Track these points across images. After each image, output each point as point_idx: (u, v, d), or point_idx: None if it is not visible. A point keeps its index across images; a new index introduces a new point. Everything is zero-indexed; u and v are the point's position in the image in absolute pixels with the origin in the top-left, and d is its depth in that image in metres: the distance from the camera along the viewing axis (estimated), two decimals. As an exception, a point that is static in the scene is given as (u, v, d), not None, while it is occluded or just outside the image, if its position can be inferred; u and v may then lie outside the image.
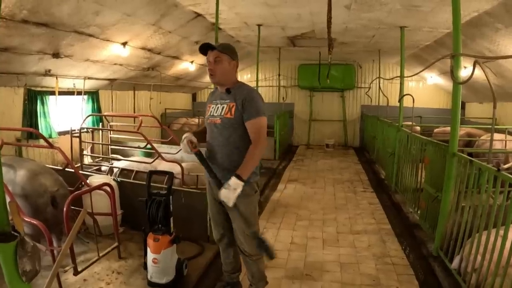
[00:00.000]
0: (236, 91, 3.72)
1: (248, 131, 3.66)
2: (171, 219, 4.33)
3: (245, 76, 16.82)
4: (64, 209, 4.20)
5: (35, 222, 4.06)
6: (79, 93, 9.47)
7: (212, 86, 15.61)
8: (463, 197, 4.60)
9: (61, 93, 8.86)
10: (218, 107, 3.77)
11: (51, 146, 5.33)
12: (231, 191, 3.37)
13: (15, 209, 2.38)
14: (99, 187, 4.85)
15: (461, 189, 4.64)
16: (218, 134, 3.74)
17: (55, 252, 4.23)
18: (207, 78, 15.41)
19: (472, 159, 4.37)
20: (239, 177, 3.41)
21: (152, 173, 4.55)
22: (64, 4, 5.82)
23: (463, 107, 13.81)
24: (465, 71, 6.42)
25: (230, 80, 3.79)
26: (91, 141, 9.20)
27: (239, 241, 3.90)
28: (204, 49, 3.70)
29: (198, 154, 3.78)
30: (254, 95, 3.71)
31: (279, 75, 14.80)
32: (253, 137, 3.63)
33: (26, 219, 4.09)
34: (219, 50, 3.65)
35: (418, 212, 6.46)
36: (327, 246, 5.85)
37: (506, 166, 6.54)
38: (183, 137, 3.79)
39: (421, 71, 7.28)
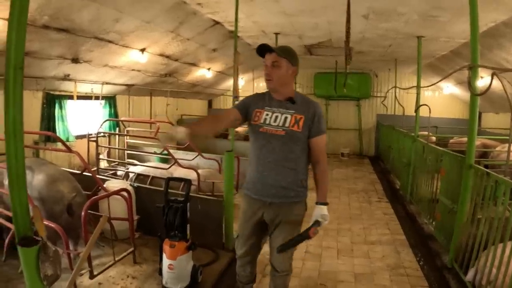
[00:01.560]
0: (303, 103, 3.49)
1: (311, 148, 3.49)
2: (188, 225, 4.35)
3: (261, 84, 16.84)
4: (82, 213, 4.25)
5: (52, 226, 4.12)
6: (96, 97, 9.57)
7: (229, 93, 15.61)
8: (479, 209, 4.57)
9: (79, 97, 8.96)
10: (277, 116, 3.45)
11: (69, 150, 5.38)
12: (327, 220, 3.37)
13: (38, 214, 2.43)
14: (117, 192, 4.88)
15: (477, 201, 4.61)
16: (279, 148, 3.42)
17: (71, 255, 4.30)
18: (223, 85, 15.53)
19: (489, 171, 4.35)
20: (324, 203, 3.43)
21: (170, 179, 4.58)
22: (84, 11, 5.91)
23: (479, 118, 13.67)
24: (481, 81, 6.40)
25: (288, 88, 3.52)
26: (108, 146, 9.28)
27: (274, 258, 3.71)
28: (261, 51, 3.44)
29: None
30: (321, 110, 3.55)
31: (295, 83, 14.74)
32: (319, 155, 3.51)
33: (44, 222, 4.14)
34: (278, 54, 3.37)
35: (433, 223, 6.42)
36: (341, 256, 5.84)
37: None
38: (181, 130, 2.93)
39: (439, 81, 7.25)
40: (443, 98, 15.72)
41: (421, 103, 8.54)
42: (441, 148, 6.58)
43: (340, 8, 6.21)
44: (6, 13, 4.97)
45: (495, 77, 4.07)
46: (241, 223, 3.81)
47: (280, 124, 3.42)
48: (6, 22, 5.10)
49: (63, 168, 5.81)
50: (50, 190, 4.59)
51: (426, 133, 8.61)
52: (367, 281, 5.06)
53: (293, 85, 3.63)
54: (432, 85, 8.09)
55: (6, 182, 4.86)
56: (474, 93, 4.64)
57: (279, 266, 3.72)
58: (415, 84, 9.13)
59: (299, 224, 3.63)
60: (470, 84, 4.60)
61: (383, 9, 6.89)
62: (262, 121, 3.48)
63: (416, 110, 8.67)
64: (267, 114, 3.48)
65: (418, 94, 8.89)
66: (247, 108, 3.60)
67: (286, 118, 3.43)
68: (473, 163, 4.78)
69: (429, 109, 7.66)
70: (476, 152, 5.24)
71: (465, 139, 5.10)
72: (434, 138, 10.99)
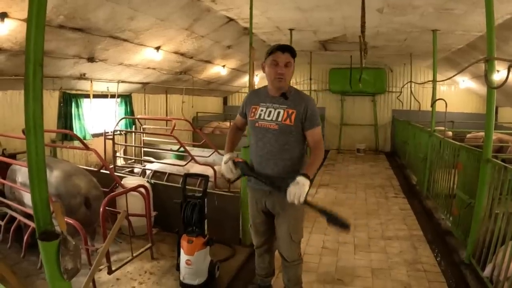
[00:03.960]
0: (295, 97, 3.61)
1: (307, 140, 3.63)
2: (205, 221, 4.38)
3: (276, 80, 16.77)
4: (101, 209, 4.31)
5: (70, 221, 4.17)
6: (112, 96, 9.65)
7: (245, 90, 15.60)
8: (496, 203, 4.54)
9: (95, 96, 9.07)
10: (271, 111, 3.62)
11: (87, 148, 5.45)
12: (300, 187, 3.15)
13: (58, 209, 2.46)
14: (135, 188, 4.93)
15: (494, 196, 4.57)
16: (274, 140, 3.59)
17: (89, 250, 4.36)
18: (238, 82, 15.54)
19: (507, 165, 4.31)
20: (306, 176, 3.23)
21: (187, 175, 4.61)
22: (99, 10, 5.96)
23: (496, 112, 13.51)
24: (498, 75, 6.34)
25: (287, 85, 3.66)
26: (124, 143, 9.36)
27: (281, 247, 3.85)
28: (274, 49, 3.54)
29: (245, 163, 3.66)
30: (314, 104, 3.65)
31: (310, 79, 14.61)
32: (314, 145, 3.59)
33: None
34: (292, 55, 3.54)
35: (450, 218, 6.37)
36: (358, 251, 5.82)
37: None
38: (227, 158, 3.72)
39: (454, 75, 7.18)
40: (459, 92, 15.51)
41: (437, 97, 8.48)
42: (458, 143, 6.52)
43: (355, 2, 6.18)
44: (21, 14, 5.11)
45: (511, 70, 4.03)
46: (250, 213, 4.02)
47: (274, 119, 3.59)
48: (23, 23, 5.26)
49: (79, 165, 5.89)
50: (66, 185, 4.66)
51: (442, 128, 8.52)
52: (384, 276, 5.04)
53: None
54: (448, 79, 8.02)
55: (19, 179, 4.96)
56: (491, 86, 4.60)
57: (287, 254, 3.84)
58: (430, 78, 9.07)
59: (301, 213, 3.75)
60: (486, 77, 4.56)
61: (398, 2, 6.84)
62: (257, 116, 3.68)
63: (432, 105, 8.61)
64: (261, 110, 3.68)
65: (434, 88, 8.80)
66: (245, 109, 3.87)
67: (279, 112, 3.58)
68: (490, 157, 4.74)
69: (446, 103, 7.59)
70: (493, 147, 5.20)
71: (481, 133, 5.05)
72: (450, 133, 10.90)
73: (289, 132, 3.56)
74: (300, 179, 3.20)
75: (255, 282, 4.40)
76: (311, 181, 3.36)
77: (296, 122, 3.53)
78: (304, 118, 3.54)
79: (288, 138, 3.57)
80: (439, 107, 8.36)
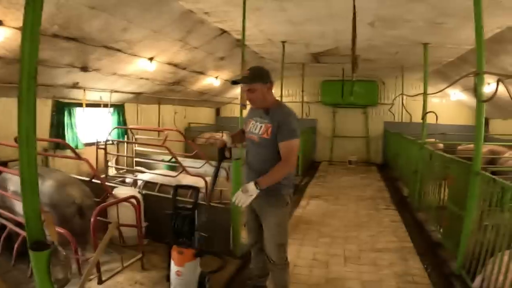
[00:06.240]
0: (274, 113, 3.91)
1: (279, 150, 3.82)
2: (196, 233, 4.38)
3: (268, 91, 16.78)
4: (92, 219, 4.31)
5: (61, 231, 4.17)
6: (105, 105, 9.64)
7: (236, 101, 15.60)
8: (486, 215, 4.57)
9: (88, 105, 9.04)
10: (257, 125, 4.00)
11: (79, 157, 5.45)
12: (245, 194, 3.60)
13: (50, 220, 2.47)
14: (127, 199, 4.94)
15: (484, 208, 4.61)
16: (256, 152, 4.03)
17: (80, 260, 4.35)
18: (230, 93, 15.57)
19: (495, 177, 4.35)
20: (256, 185, 3.60)
21: (178, 187, 4.62)
22: (94, 21, 5.99)
23: (486, 124, 13.53)
24: (488, 88, 6.40)
25: (269, 102, 3.99)
26: (116, 153, 9.34)
27: (266, 248, 4.08)
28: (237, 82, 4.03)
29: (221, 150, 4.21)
30: (290, 119, 3.88)
31: (302, 91, 14.62)
32: (283, 157, 3.80)
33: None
34: (248, 83, 3.87)
35: (441, 230, 6.41)
36: (348, 264, 5.83)
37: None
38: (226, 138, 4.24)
39: (444, 89, 7.24)
40: (450, 104, 15.63)
41: (428, 110, 8.53)
42: (447, 155, 6.57)
43: (346, 16, 6.25)
44: (17, 23, 5.13)
45: (500, 83, 4.09)
46: (245, 214, 4.41)
47: (256, 132, 4.01)
48: (17, 31, 5.28)
49: (72, 175, 5.88)
50: (60, 194, 4.68)
51: (433, 140, 8.59)
52: (375, 288, 5.06)
53: (272, 97, 4.07)
54: (438, 92, 8.08)
55: (12, 188, 4.95)
56: (480, 100, 4.65)
57: (271, 256, 4.07)
58: (422, 91, 9.13)
59: (281, 217, 4.02)
60: (476, 91, 4.61)
61: (389, 16, 6.92)
62: (248, 129, 4.16)
63: (423, 117, 8.67)
64: (252, 124, 4.11)
65: (424, 101, 8.89)
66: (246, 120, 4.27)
67: (260, 127, 3.98)
68: (479, 169, 4.77)
69: (436, 116, 7.65)
70: (484, 159, 5.25)
71: (473, 145, 5.11)
72: (441, 145, 10.97)
73: (265, 145, 3.91)
74: (250, 187, 3.61)
75: (248, 286, 4.61)
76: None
77: (271, 136, 3.85)
78: (277, 132, 3.82)
79: (266, 151, 3.92)
80: (431, 119, 8.42)
